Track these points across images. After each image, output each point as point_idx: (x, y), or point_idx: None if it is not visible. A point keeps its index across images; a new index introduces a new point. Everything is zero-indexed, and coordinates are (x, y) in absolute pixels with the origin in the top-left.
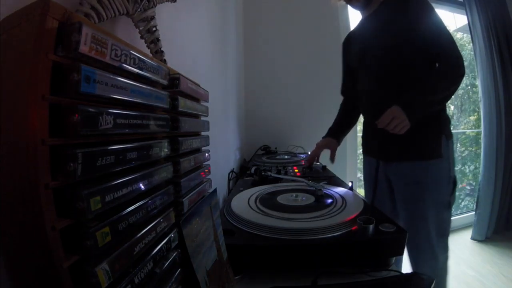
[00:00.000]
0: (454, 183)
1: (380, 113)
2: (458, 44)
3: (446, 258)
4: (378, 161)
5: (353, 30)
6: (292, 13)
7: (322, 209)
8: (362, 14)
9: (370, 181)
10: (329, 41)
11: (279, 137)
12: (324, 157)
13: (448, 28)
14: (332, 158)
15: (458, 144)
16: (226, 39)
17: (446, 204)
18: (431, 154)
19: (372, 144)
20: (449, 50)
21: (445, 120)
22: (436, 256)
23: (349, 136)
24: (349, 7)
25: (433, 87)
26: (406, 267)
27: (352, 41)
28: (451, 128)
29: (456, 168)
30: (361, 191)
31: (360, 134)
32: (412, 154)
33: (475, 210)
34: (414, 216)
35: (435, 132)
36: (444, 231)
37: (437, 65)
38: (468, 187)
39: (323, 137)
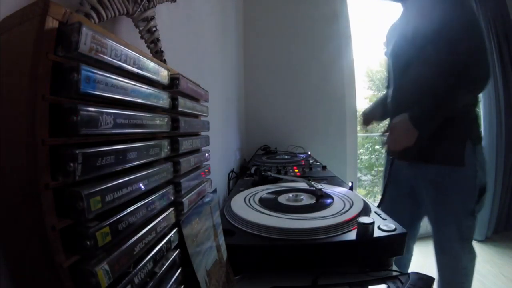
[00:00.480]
0: (482, 191)
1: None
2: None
3: (470, 260)
4: (393, 158)
5: (395, 21)
6: (292, 12)
7: (322, 209)
8: (402, 5)
9: (387, 177)
10: (329, 41)
11: (279, 137)
12: (324, 157)
13: (476, 27)
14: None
15: None
16: (226, 39)
17: (470, 212)
18: (452, 161)
19: None
20: (468, 58)
21: (472, 122)
22: (459, 259)
23: (349, 136)
24: (349, 8)
25: (447, 98)
26: (413, 269)
27: (390, 33)
28: (479, 130)
29: None
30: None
31: (359, 134)
32: (434, 157)
33: None
34: (437, 220)
35: (458, 136)
36: (468, 235)
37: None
38: None
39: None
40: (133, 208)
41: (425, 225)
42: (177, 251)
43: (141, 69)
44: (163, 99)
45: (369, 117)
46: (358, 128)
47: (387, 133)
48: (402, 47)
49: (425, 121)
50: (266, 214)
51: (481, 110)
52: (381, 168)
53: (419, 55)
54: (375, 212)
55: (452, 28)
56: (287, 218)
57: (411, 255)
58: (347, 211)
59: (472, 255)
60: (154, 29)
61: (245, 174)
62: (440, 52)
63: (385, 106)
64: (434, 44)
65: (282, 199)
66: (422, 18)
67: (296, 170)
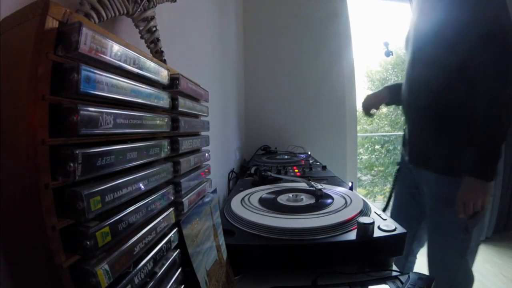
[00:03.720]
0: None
1: (410, 114)
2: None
3: (463, 281)
4: (400, 162)
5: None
6: (292, 12)
7: (322, 209)
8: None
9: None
10: (329, 41)
11: (279, 137)
12: (324, 157)
13: (503, 20)
14: (372, 109)
15: None
16: (226, 38)
17: (463, 228)
18: (449, 171)
19: (406, 143)
20: (489, 67)
21: (473, 127)
22: (453, 272)
23: (349, 136)
24: (349, 8)
25: (493, 131)
26: (413, 268)
27: (410, 31)
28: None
29: None
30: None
31: (359, 134)
32: (434, 165)
33: None
34: (433, 230)
35: (458, 142)
36: (462, 250)
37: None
38: None
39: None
40: (133, 208)
41: None
42: (177, 251)
43: (141, 69)
44: (163, 99)
45: (372, 103)
46: (358, 128)
47: (460, 209)
48: (412, 43)
49: (494, 165)
50: (266, 214)
51: None
52: (381, 168)
53: (433, 53)
54: (375, 212)
55: (463, 22)
56: (287, 218)
57: (415, 259)
58: (347, 211)
59: (467, 276)
60: (154, 29)
61: (245, 174)
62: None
63: (395, 91)
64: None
65: (282, 199)
66: (432, 12)
67: (296, 170)
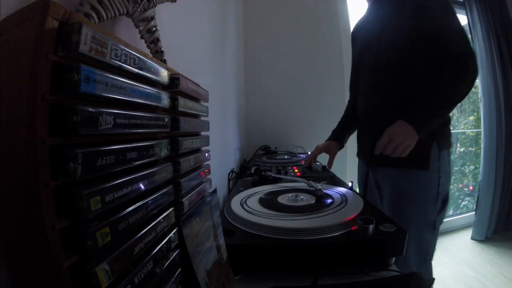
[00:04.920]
0: (444, 201)
1: (371, 117)
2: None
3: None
4: (368, 164)
5: (360, 19)
6: (292, 13)
7: (322, 209)
8: (368, 0)
9: (361, 185)
10: (329, 41)
11: (279, 137)
12: (324, 157)
13: (456, 20)
14: (329, 164)
15: (458, 144)
16: (226, 38)
17: (430, 224)
18: (415, 164)
19: (363, 147)
20: (452, 50)
21: (440, 126)
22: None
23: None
24: (349, 8)
25: (442, 99)
26: None
27: (357, 31)
28: (449, 135)
29: (455, 168)
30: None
31: None
32: (394, 159)
33: (475, 210)
34: None
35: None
36: (425, 254)
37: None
38: (465, 189)
39: (326, 140)
40: (133, 208)
41: None
42: (177, 251)
43: (141, 69)
44: (163, 99)
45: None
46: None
47: (384, 142)
48: (372, 45)
49: (427, 122)
50: (266, 214)
51: (481, 110)
52: None
53: (396, 52)
54: (375, 212)
55: (426, 21)
56: (287, 218)
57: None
58: (347, 211)
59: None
60: (154, 29)
61: (245, 174)
62: (421, 48)
63: (352, 118)
64: (411, 40)
65: (282, 199)
66: (393, 16)
67: (296, 170)
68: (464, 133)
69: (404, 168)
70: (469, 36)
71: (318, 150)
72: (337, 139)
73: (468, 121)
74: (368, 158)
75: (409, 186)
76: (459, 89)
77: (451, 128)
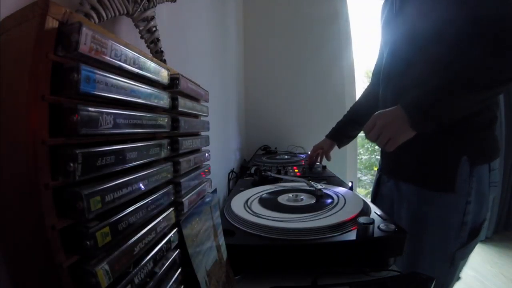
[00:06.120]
0: (472, 235)
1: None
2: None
3: None
4: (380, 172)
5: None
6: (292, 12)
7: (322, 209)
8: None
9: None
10: (329, 41)
11: (279, 137)
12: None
13: None
14: (327, 158)
15: None
16: (226, 38)
17: (447, 258)
18: (438, 185)
19: (381, 152)
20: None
21: (472, 130)
22: None
23: None
24: (349, 8)
25: (455, 77)
26: None
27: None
28: (491, 143)
29: None
30: (361, 191)
31: (359, 134)
32: (418, 175)
33: None
34: (412, 259)
35: (450, 150)
36: (440, 286)
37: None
38: None
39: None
40: (133, 208)
41: None
42: (177, 251)
43: (141, 69)
44: (163, 99)
45: (316, 156)
46: None
47: (369, 126)
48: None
49: (426, 110)
50: (266, 214)
51: None
52: None
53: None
54: (375, 212)
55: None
56: (287, 218)
57: None
58: (347, 211)
59: None
60: (154, 29)
61: (245, 174)
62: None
63: (340, 135)
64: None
65: (282, 199)
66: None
67: (296, 170)
68: None
69: (428, 189)
70: None
71: (314, 151)
72: (333, 137)
73: None
74: (386, 166)
75: (428, 209)
76: (489, 65)
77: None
